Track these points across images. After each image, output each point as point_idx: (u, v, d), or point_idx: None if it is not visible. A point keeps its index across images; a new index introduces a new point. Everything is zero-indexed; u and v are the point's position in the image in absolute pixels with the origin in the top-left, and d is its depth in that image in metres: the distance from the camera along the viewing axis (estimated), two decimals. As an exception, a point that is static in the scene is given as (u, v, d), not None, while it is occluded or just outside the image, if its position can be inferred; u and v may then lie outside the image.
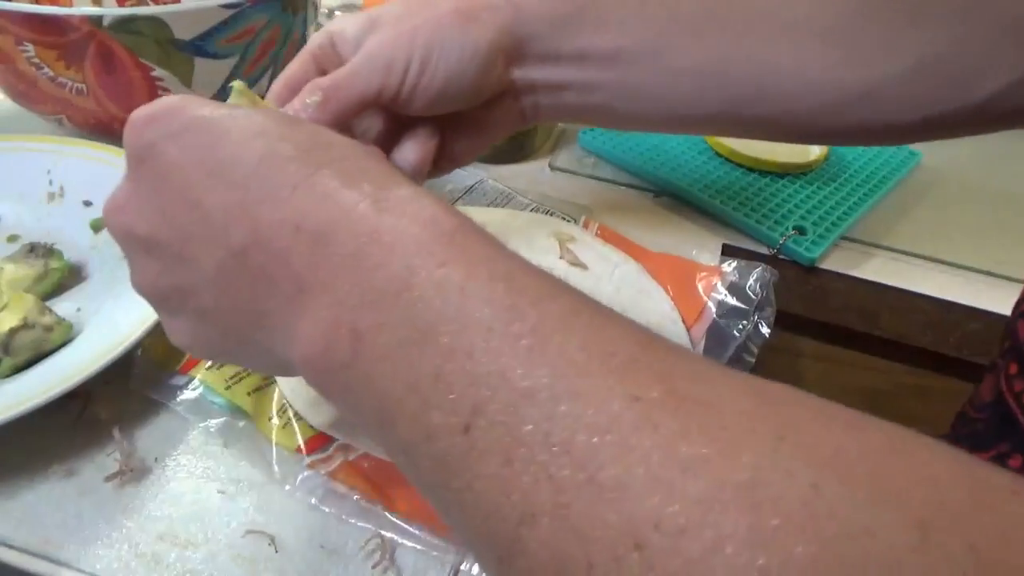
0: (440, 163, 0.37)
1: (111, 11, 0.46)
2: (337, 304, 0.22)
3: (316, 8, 0.57)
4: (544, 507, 0.18)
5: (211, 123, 0.26)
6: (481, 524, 0.19)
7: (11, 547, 0.33)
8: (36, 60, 0.47)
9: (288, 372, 0.27)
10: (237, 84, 0.33)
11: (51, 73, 0.47)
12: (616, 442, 0.18)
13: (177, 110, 0.26)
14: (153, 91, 0.49)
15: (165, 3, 0.64)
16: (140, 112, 0.27)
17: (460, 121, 0.37)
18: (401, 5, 0.36)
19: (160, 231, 0.26)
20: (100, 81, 0.48)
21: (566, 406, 0.18)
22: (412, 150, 0.35)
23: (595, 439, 0.18)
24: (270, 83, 0.55)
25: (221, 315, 0.26)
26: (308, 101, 0.33)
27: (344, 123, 0.35)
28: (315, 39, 0.37)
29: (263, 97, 0.36)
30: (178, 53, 0.48)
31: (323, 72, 0.36)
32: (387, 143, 0.37)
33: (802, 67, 0.35)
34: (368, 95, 0.34)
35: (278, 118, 0.26)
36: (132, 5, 0.64)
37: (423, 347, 0.20)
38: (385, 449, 0.23)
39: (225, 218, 0.24)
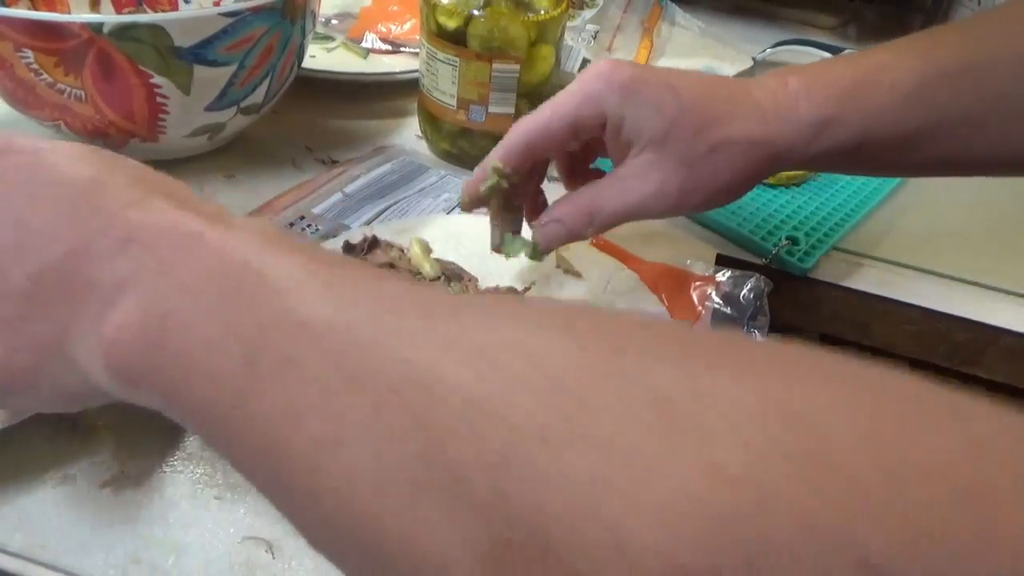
0: None
1: (111, 18, 0.46)
2: (153, 297, 0.23)
3: (315, 16, 0.57)
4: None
5: (35, 147, 0.27)
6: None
7: (7, 553, 0.33)
8: (35, 66, 0.47)
9: (83, 387, 0.26)
10: (495, 163, 0.37)
11: (50, 79, 0.48)
12: None
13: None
14: (152, 98, 0.49)
15: (164, 10, 0.64)
16: None
17: None
18: (690, 117, 0.37)
19: None
20: (99, 88, 0.48)
21: None
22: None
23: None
24: (267, 91, 0.55)
25: (23, 325, 0.26)
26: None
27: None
28: (581, 107, 0.37)
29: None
30: (177, 61, 0.48)
31: (576, 136, 0.38)
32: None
33: None
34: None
35: (105, 153, 0.28)
36: (131, 12, 0.64)
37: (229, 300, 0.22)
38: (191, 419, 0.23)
39: (47, 231, 0.25)
